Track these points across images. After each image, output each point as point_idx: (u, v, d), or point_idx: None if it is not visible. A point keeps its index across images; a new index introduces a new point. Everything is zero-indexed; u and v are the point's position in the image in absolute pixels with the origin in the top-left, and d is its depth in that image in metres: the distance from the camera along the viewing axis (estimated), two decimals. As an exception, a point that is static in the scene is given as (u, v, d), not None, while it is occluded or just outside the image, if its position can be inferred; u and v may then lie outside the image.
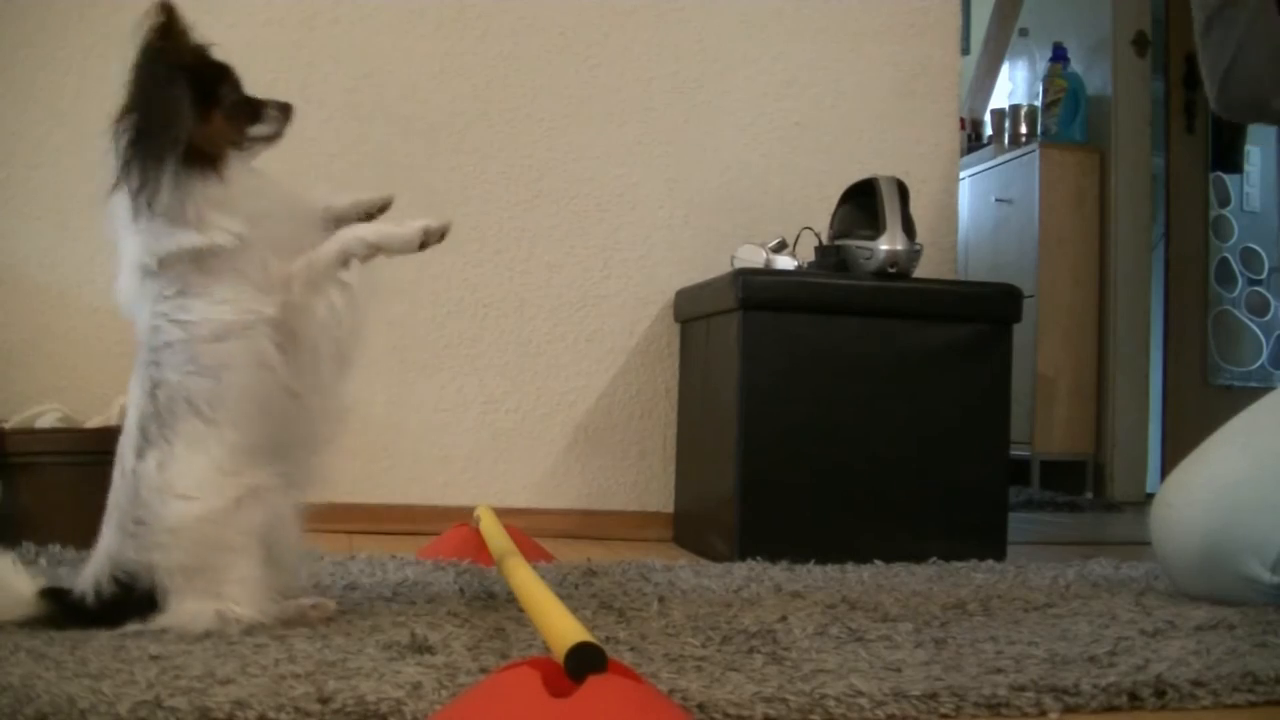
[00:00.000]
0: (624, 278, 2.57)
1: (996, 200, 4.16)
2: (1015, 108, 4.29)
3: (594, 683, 0.80)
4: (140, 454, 1.27)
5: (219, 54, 1.38)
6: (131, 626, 1.23)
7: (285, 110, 1.42)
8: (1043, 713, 1.08)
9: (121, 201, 1.33)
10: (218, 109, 1.35)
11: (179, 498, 1.24)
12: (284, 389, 1.31)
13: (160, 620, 1.23)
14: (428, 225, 1.40)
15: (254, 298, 1.30)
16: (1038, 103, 4.16)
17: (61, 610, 1.25)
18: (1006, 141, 4.25)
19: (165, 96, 1.30)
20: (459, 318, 2.50)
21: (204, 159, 1.30)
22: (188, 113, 1.31)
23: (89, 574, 1.26)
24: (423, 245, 1.40)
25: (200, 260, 1.28)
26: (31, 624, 1.23)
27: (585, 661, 0.82)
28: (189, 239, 1.28)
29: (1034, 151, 3.98)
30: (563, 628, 0.92)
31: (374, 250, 1.38)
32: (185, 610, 1.23)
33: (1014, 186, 4.09)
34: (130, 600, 1.24)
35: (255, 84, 2.45)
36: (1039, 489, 3.83)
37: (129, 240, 1.33)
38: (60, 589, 1.28)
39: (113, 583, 1.24)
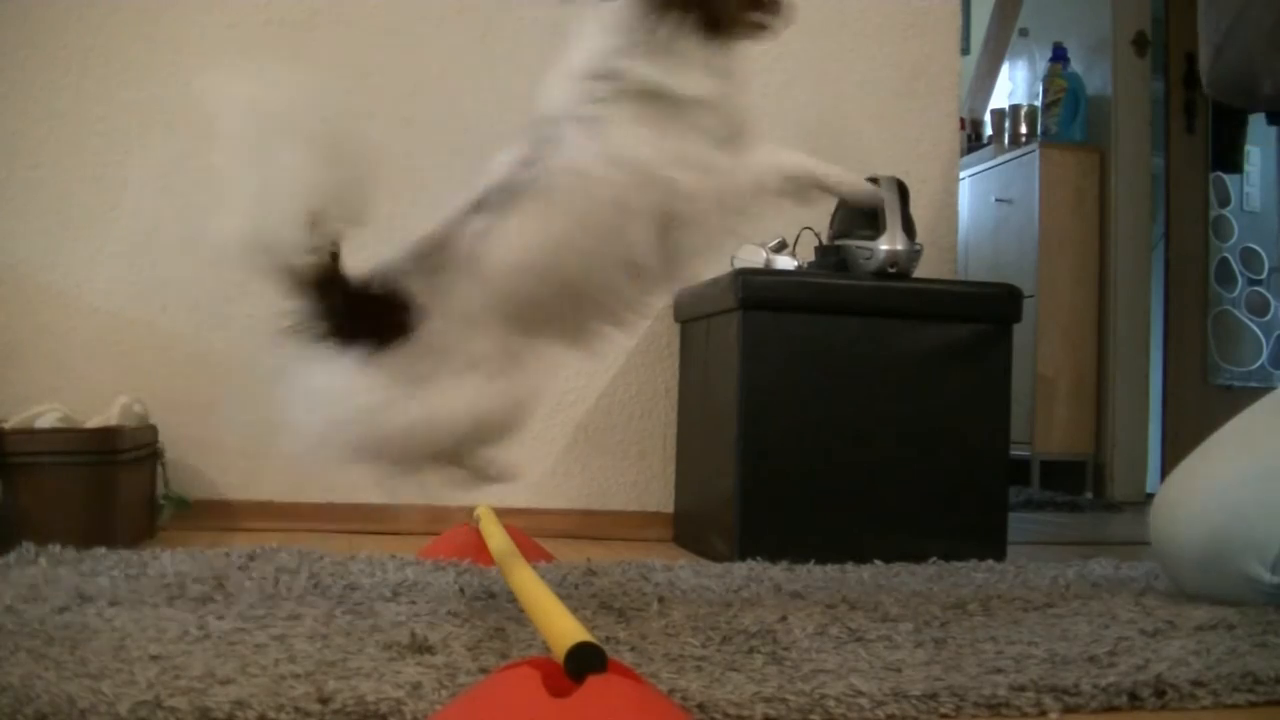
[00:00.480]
0: (624, 278, 2.57)
1: (996, 200, 4.16)
2: (1015, 108, 4.29)
3: (594, 683, 0.80)
4: (476, 209, 1.28)
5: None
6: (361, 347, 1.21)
7: (782, 8, 1.35)
8: (1043, 713, 1.08)
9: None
10: None
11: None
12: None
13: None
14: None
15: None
16: (1038, 103, 4.16)
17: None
18: (1006, 141, 4.25)
19: None
20: (459, 318, 2.50)
21: (707, 21, 1.27)
22: None
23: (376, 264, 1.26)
24: None
25: (656, 98, 1.25)
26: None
27: (585, 661, 0.82)
28: (656, 72, 1.25)
29: (1034, 151, 3.98)
30: (562, 628, 0.92)
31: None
32: None
33: (1014, 186, 4.09)
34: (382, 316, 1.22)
35: (255, 84, 2.46)
36: (1039, 489, 3.83)
37: (597, 37, 1.29)
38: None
39: (383, 286, 1.24)
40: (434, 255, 1.26)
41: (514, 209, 1.25)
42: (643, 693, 0.84)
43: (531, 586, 1.17)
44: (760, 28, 1.34)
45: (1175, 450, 3.57)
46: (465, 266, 1.24)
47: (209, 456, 2.39)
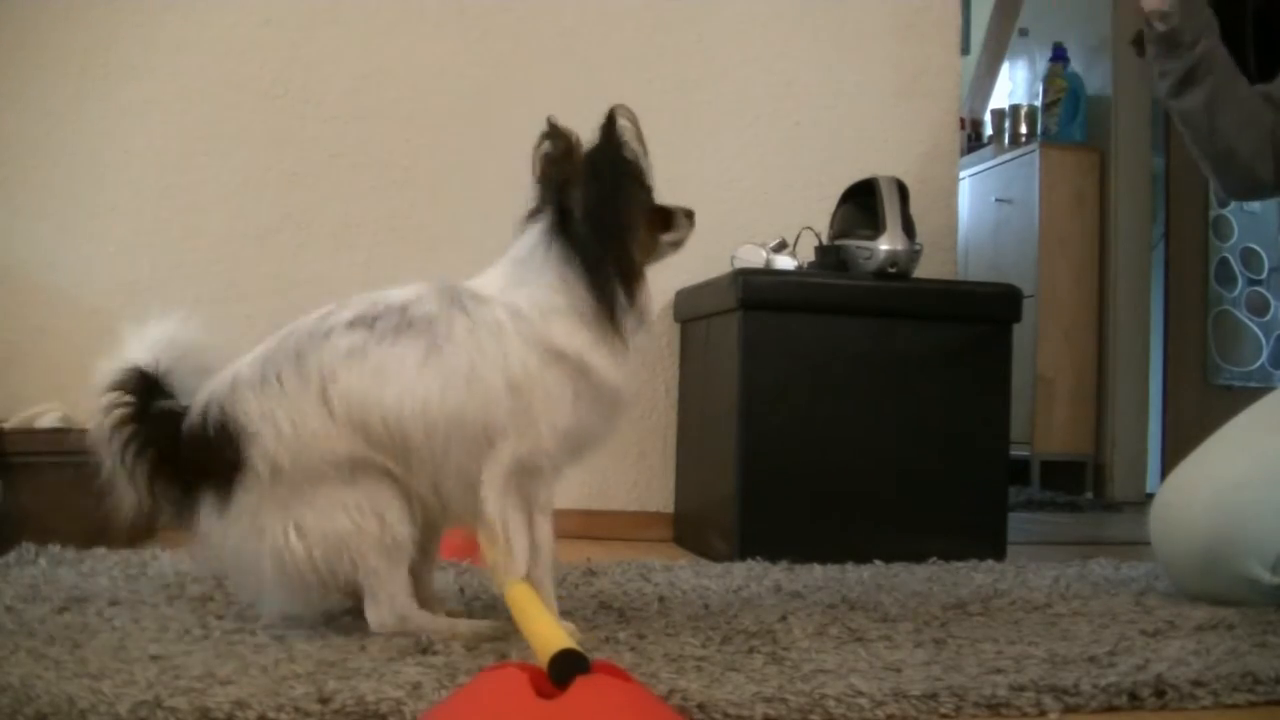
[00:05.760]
0: (624, 278, 2.57)
1: (996, 200, 4.16)
2: (1015, 108, 4.29)
3: (581, 683, 0.80)
4: (352, 326, 1.22)
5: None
6: (206, 506, 1.20)
7: (691, 217, 1.38)
8: (1043, 713, 1.08)
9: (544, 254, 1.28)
10: (643, 216, 1.33)
11: (322, 403, 1.19)
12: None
13: (230, 504, 1.19)
14: None
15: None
16: (1038, 103, 4.16)
17: (140, 410, 1.22)
18: (1006, 141, 4.25)
19: (632, 207, 1.30)
20: (459, 318, 2.50)
21: (637, 265, 1.30)
22: (639, 224, 1.31)
23: (208, 391, 1.22)
24: None
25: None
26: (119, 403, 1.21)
27: (568, 669, 0.81)
28: (603, 366, 1.26)
29: (1034, 151, 3.98)
30: (545, 637, 0.91)
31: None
32: (252, 500, 1.19)
33: (1014, 186, 4.09)
34: (223, 451, 1.18)
35: (255, 84, 2.47)
36: (1039, 489, 3.83)
37: (539, 288, 1.27)
38: (151, 377, 1.24)
39: (221, 422, 1.19)
40: (279, 378, 1.22)
41: (391, 345, 1.23)
42: (630, 692, 0.84)
43: (519, 595, 1.17)
44: (675, 246, 1.37)
45: (1175, 450, 3.57)
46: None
47: (209, 456, 2.39)
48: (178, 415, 1.23)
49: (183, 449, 1.21)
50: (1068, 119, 4.01)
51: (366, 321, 1.22)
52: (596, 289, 1.26)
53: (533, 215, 1.32)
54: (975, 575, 1.87)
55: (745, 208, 2.60)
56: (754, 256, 2.29)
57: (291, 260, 2.45)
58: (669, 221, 1.36)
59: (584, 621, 1.36)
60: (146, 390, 1.24)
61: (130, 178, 2.43)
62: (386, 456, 1.21)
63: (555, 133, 1.32)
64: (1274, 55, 1.73)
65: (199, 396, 1.23)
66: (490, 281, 1.30)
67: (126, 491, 1.22)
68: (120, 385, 1.23)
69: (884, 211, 2.18)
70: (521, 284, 1.28)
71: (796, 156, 2.64)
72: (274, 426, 1.19)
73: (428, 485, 1.24)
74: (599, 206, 1.28)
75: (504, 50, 2.55)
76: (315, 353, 1.21)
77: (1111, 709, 1.10)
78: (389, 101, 2.50)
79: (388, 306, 1.24)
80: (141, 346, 1.27)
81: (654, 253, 1.35)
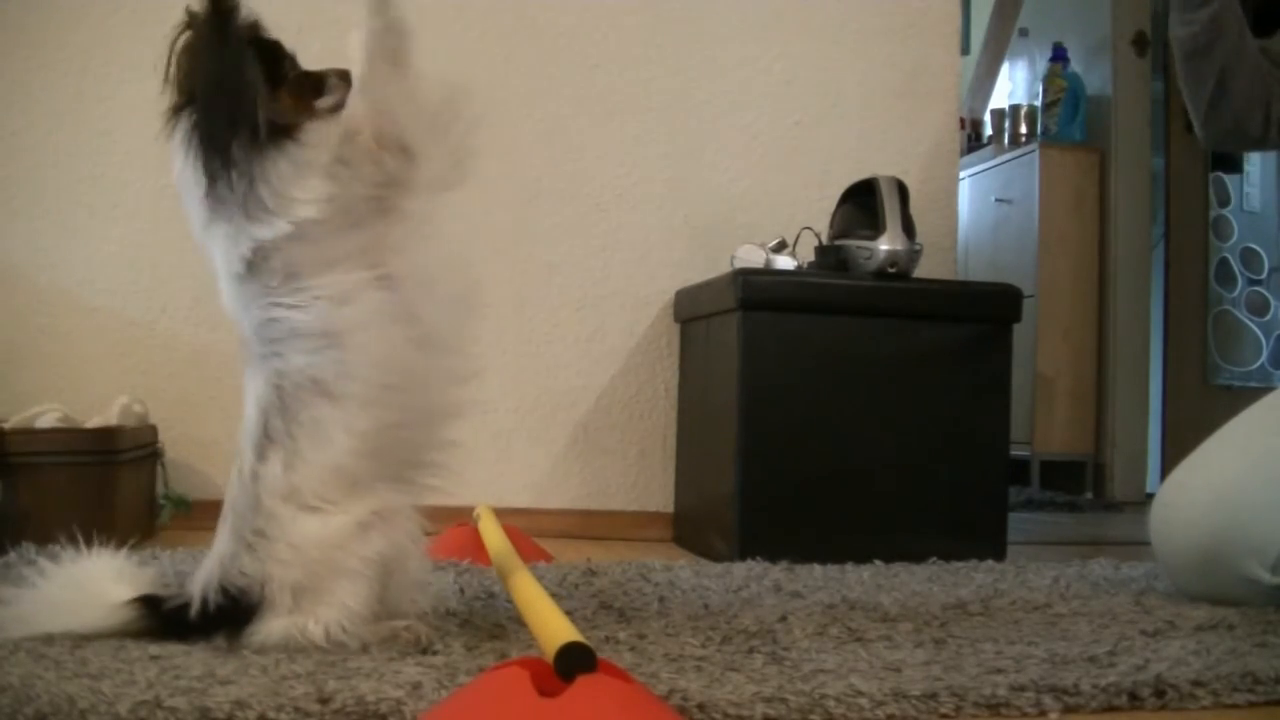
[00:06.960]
0: (624, 278, 2.57)
1: (996, 200, 4.16)
2: (1015, 108, 4.29)
3: (583, 682, 0.80)
4: (261, 454, 1.18)
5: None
6: (219, 640, 1.17)
7: (346, 77, 1.33)
8: (1043, 713, 1.08)
9: (201, 206, 1.23)
10: (283, 85, 1.28)
11: (306, 510, 1.16)
12: (414, 342, 1.25)
13: (249, 634, 1.15)
14: None
15: (367, 250, 1.23)
16: (1038, 103, 4.16)
17: (156, 621, 1.19)
18: (1006, 141, 4.25)
19: (240, 77, 1.23)
20: (459, 318, 2.50)
21: (281, 136, 1.23)
22: (263, 93, 1.23)
23: (199, 580, 1.18)
24: None
25: (297, 239, 1.20)
26: (121, 635, 1.18)
27: (574, 661, 0.82)
28: (276, 228, 1.19)
29: (1034, 151, 3.98)
30: (553, 627, 0.91)
31: (388, 30, 1.33)
32: (276, 625, 1.15)
33: (1014, 186, 4.09)
34: (235, 613, 1.16)
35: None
36: (1039, 489, 3.83)
37: (217, 247, 1.24)
38: (155, 596, 1.21)
39: (221, 593, 1.16)
40: (255, 533, 1.17)
41: (299, 425, 1.18)
42: (633, 692, 0.84)
43: (525, 587, 1.17)
44: (334, 109, 1.31)
45: (1175, 450, 3.57)
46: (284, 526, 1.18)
47: (209, 456, 2.39)
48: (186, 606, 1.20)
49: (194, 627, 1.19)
50: (1067, 119, 4.01)
51: (261, 450, 1.19)
52: (237, 175, 1.19)
53: (168, 119, 1.24)
54: (975, 575, 1.87)
55: (745, 208, 2.60)
56: (754, 256, 2.29)
57: (291, 260, 2.45)
58: (320, 86, 1.31)
59: (584, 621, 1.36)
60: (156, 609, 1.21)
61: (130, 178, 2.43)
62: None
63: (189, 21, 1.25)
64: (1270, 13, 1.74)
65: (193, 587, 1.19)
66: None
67: None
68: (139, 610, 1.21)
69: (884, 211, 2.18)
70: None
71: (796, 156, 2.64)
72: (279, 562, 1.16)
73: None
74: (210, 82, 1.22)
75: (504, 50, 2.55)
76: (256, 492, 1.18)
77: (1111, 709, 1.10)
78: (389, 101, 2.50)
79: (252, 426, 1.20)
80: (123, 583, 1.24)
81: (310, 117, 1.29)
